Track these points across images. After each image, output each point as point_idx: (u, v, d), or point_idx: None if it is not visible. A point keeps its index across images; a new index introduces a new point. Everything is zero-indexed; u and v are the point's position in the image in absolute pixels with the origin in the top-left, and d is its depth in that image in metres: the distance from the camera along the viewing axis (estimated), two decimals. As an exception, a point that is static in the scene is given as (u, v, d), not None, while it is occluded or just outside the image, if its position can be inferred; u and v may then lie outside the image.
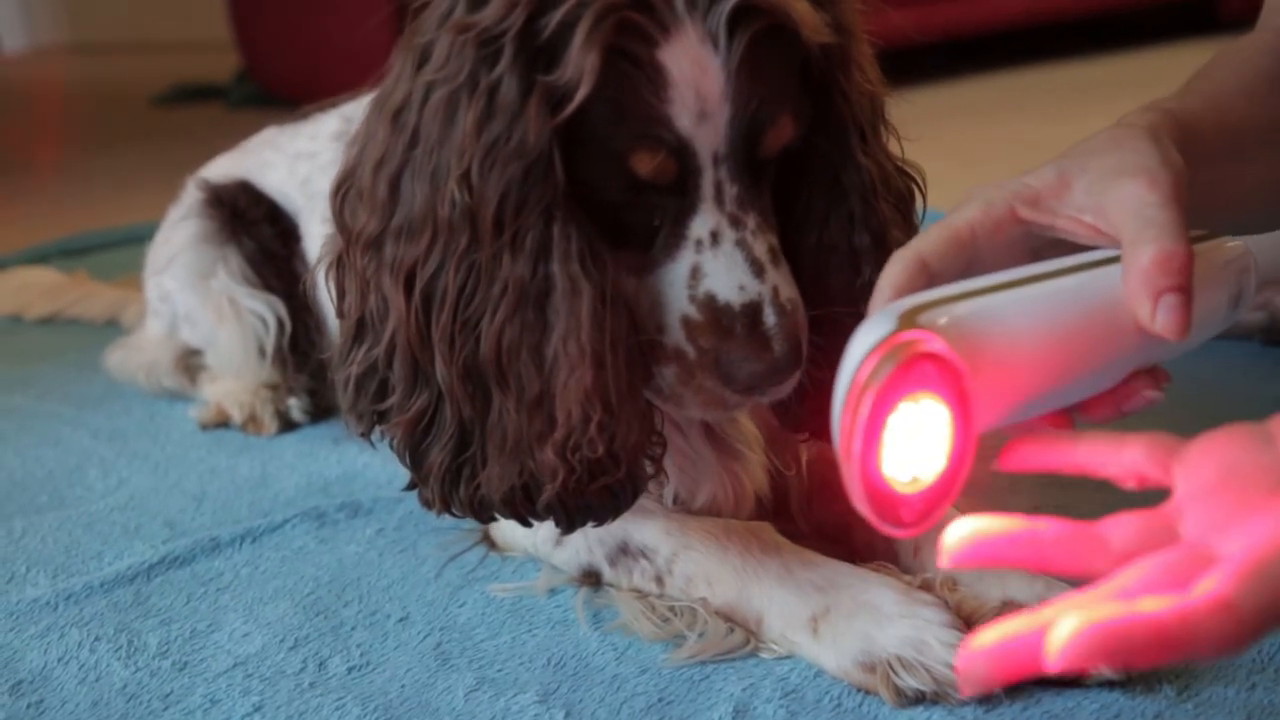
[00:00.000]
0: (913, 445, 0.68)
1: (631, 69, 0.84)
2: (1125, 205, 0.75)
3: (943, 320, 0.70)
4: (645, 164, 0.87)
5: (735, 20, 0.84)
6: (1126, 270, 0.73)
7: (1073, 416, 0.79)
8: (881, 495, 0.68)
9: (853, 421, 0.67)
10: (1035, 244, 0.81)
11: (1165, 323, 0.71)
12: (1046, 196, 0.79)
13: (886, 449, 0.68)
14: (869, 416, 0.66)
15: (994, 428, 0.74)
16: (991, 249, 0.80)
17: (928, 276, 0.78)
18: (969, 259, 0.79)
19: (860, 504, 0.68)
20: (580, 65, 0.83)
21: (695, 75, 0.84)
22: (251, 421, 1.51)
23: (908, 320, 0.69)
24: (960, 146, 2.73)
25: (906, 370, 0.67)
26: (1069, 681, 0.85)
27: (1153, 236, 0.73)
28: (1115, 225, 0.75)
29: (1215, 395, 1.39)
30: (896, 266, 0.79)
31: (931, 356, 0.68)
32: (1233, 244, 0.85)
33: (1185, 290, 0.72)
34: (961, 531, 0.67)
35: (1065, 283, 0.75)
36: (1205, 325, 0.81)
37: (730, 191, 0.88)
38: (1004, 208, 0.79)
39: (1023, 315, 0.73)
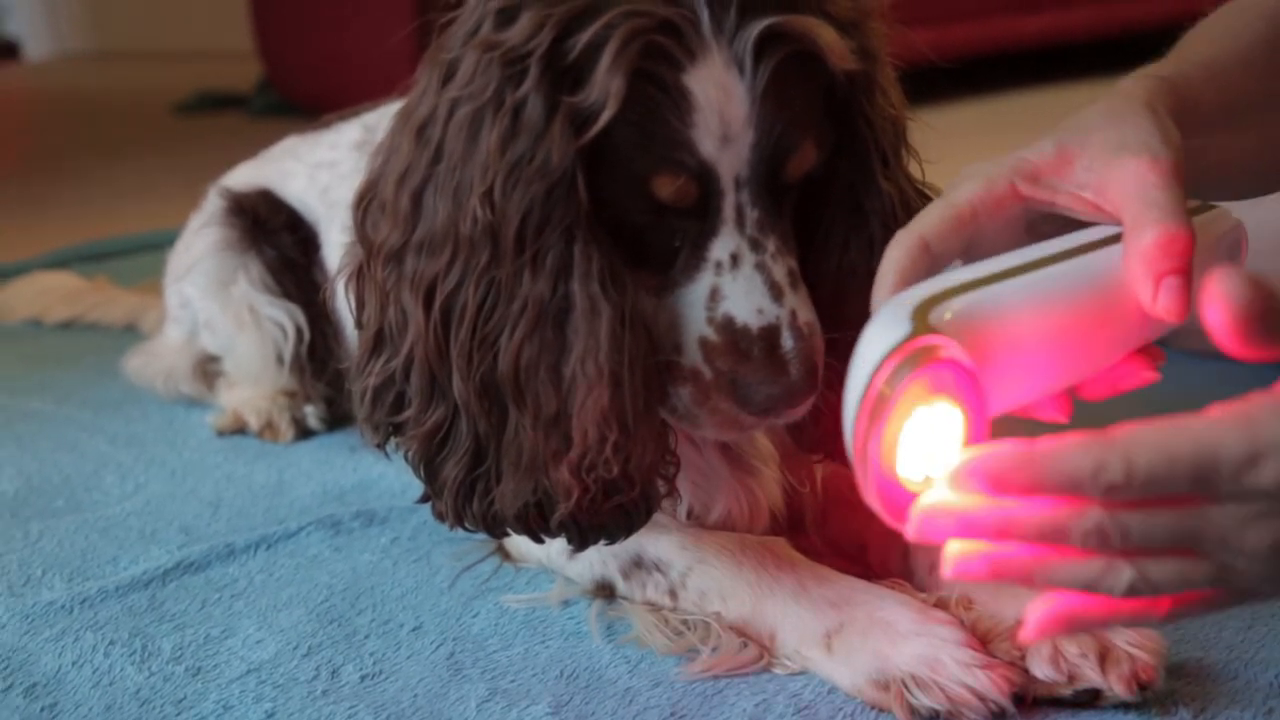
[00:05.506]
0: (926, 446, 0.69)
1: (657, 93, 0.84)
2: (1126, 185, 0.75)
3: (949, 316, 0.71)
4: (667, 187, 0.87)
5: (762, 46, 0.84)
6: (1128, 253, 0.73)
7: (1070, 398, 0.79)
8: (894, 496, 0.69)
9: (868, 426, 0.67)
10: (1032, 218, 0.81)
11: (1166, 305, 0.72)
12: (1046, 173, 0.78)
13: (900, 451, 0.68)
14: (885, 423, 0.67)
15: (999, 414, 0.75)
16: (991, 226, 0.79)
17: (930, 258, 0.78)
18: (969, 237, 0.79)
19: (874, 504, 0.69)
20: (606, 87, 0.83)
21: (720, 100, 0.85)
22: (268, 428, 1.52)
23: (920, 321, 0.70)
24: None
25: (923, 376, 0.68)
26: (1084, 703, 0.84)
27: (1155, 219, 0.73)
28: (1116, 205, 0.75)
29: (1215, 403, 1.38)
30: (899, 250, 0.78)
31: (949, 363, 0.68)
32: (1227, 217, 0.85)
33: (1186, 273, 0.72)
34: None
35: (1065, 267, 0.76)
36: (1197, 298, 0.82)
37: (751, 215, 0.88)
38: (1004, 184, 0.79)
39: (1026, 304, 0.74)
